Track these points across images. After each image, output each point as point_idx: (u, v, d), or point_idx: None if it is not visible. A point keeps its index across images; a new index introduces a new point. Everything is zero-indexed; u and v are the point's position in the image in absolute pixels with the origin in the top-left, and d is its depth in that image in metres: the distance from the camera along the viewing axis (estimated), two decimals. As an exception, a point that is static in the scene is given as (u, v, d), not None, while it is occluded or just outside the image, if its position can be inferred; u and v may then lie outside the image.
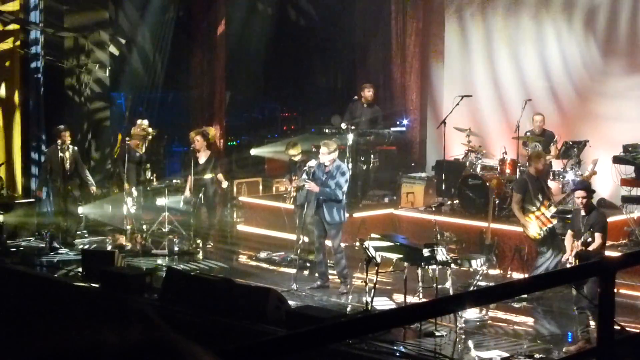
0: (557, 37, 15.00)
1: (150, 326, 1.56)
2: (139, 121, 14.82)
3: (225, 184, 14.12)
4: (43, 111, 15.72)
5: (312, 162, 11.49)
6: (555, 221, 11.04)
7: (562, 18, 14.95)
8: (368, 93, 14.69)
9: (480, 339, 9.36)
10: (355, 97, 14.98)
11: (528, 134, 13.38)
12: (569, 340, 9.09)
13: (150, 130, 14.58)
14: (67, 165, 13.81)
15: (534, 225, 10.84)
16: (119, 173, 14.39)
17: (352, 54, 18.31)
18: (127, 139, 14.40)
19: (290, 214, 13.28)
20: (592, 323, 8.76)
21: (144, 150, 14.47)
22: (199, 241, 13.70)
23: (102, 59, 16.30)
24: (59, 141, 13.78)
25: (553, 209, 10.94)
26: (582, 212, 9.50)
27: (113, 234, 14.20)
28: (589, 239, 9.22)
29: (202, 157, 13.91)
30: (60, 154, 13.77)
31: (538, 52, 15.22)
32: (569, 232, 9.68)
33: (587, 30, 14.67)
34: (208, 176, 13.81)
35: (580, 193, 9.53)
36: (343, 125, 14.13)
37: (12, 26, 15.49)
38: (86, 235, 14.40)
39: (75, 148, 14.16)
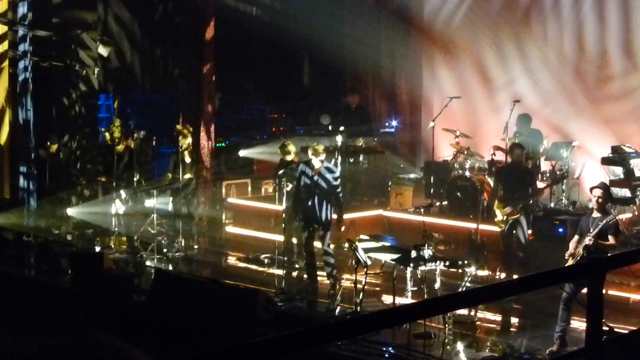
0: (545, 39, 15.05)
1: (75, 327, 1.55)
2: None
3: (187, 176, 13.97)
4: (32, 112, 15.66)
5: (302, 166, 11.55)
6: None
7: (551, 19, 15.01)
8: (353, 98, 14.86)
9: (470, 340, 9.38)
10: (346, 98, 15.03)
11: (517, 134, 13.41)
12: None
13: (117, 123, 14.58)
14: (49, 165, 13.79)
15: (500, 214, 11.13)
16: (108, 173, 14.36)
17: (341, 55, 18.29)
18: (116, 139, 14.37)
19: (277, 216, 13.23)
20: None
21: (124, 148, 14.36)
22: (182, 241, 13.61)
23: (90, 60, 16.26)
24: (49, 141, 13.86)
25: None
26: (595, 214, 9.18)
27: (102, 235, 14.14)
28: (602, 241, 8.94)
29: (185, 157, 13.88)
30: (46, 154, 13.77)
31: (526, 54, 15.26)
32: (576, 237, 9.24)
33: (576, 32, 14.73)
34: (187, 176, 13.78)
35: (597, 192, 9.19)
36: (327, 124, 14.20)
37: (1, 27, 15.44)
38: (74, 237, 14.31)
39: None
